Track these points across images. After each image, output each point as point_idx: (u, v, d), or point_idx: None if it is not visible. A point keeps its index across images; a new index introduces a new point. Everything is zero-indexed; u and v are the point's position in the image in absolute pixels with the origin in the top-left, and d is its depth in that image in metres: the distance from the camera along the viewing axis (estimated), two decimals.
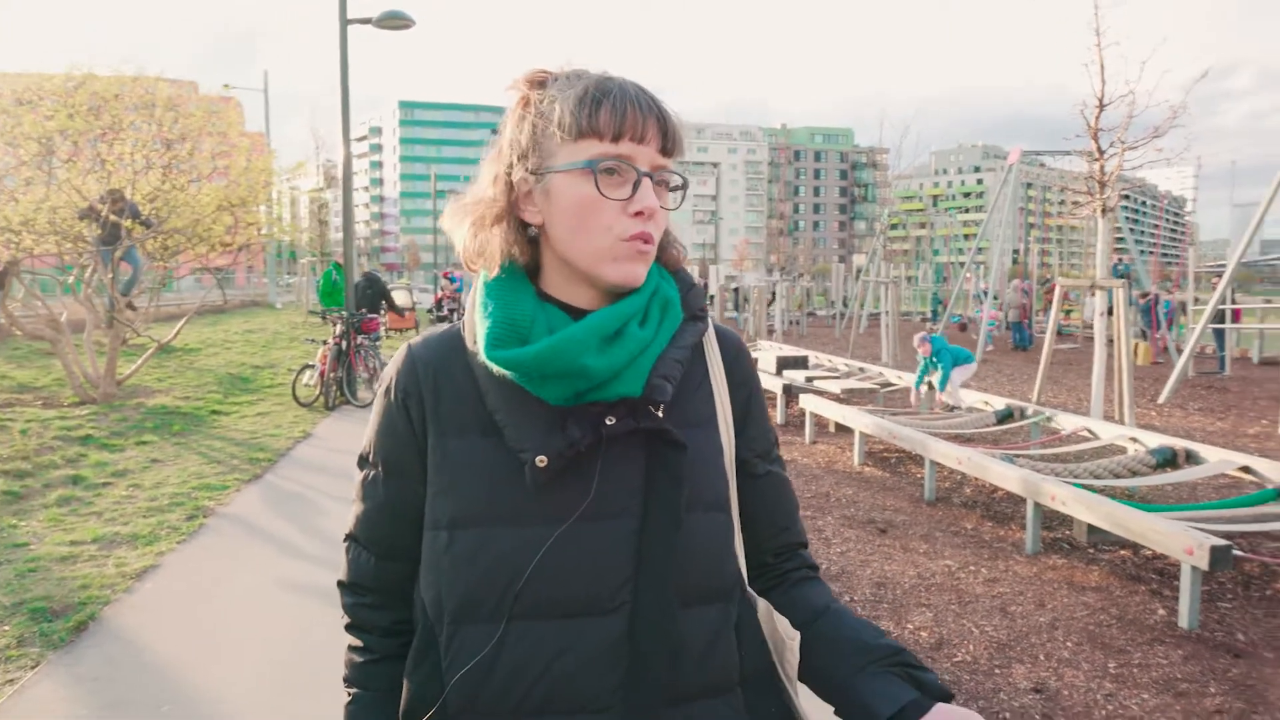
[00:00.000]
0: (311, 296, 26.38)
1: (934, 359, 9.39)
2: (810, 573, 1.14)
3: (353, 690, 1.11)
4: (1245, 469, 5.62)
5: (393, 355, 1.09)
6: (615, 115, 0.95)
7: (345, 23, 10.32)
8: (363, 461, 1.10)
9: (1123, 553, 5.12)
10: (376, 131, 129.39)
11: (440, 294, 27.14)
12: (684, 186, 1.03)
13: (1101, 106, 8.95)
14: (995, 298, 20.25)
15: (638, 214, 0.97)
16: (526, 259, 1.03)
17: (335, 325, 10.06)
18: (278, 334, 19.48)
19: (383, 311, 12.69)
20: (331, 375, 9.77)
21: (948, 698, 0.94)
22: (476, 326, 1.00)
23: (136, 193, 9.80)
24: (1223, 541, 3.86)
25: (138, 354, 11.67)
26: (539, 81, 1.01)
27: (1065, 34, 9.20)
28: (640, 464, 0.99)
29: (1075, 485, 5.09)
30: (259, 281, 45.38)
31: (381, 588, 1.09)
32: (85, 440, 7.53)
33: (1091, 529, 5.04)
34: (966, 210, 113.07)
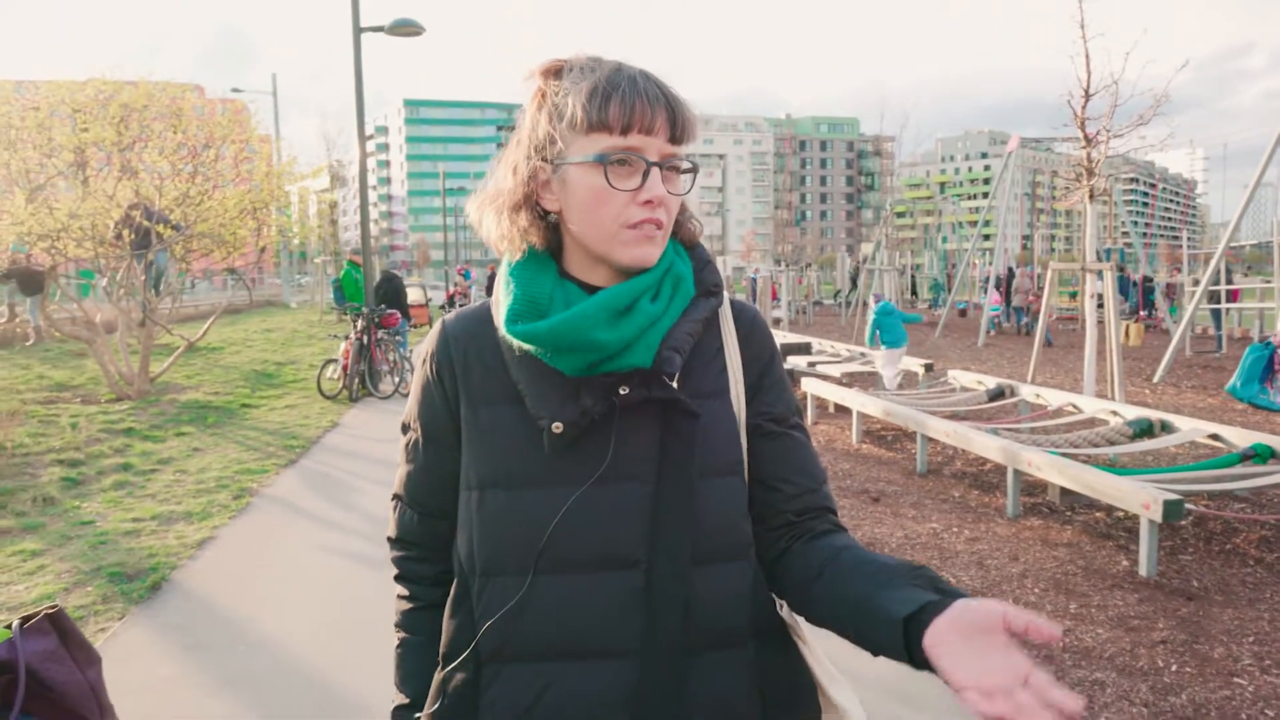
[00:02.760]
0: (324, 296, 26.95)
1: (877, 319, 10.20)
2: (837, 528, 1.14)
3: (401, 635, 1.22)
4: (1214, 436, 6.02)
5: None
6: (624, 109, 0.99)
7: (359, 30, 10.74)
8: (405, 427, 1.19)
9: (1096, 514, 5.53)
10: (383, 131, 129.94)
11: (453, 289, 27.70)
12: (694, 170, 1.08)
13: (1088, 96, 9.32)
14: (999, 283, 20.55)
15: (647, 203, 1.02)
16: (546, 243, 1.10)
17: (357, 321, 10.53)
18: (295, 332, 20.00)
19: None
20: (354, 369, 10.23)
21: None
22: (500, 304, 1.08)
23: (164, 197, 10.29)
24: (1175, 496, 4.27)
25: (165, 353, 12.18)
26: (554, 71, 1.05)
27: (1064, 19, 9.52)
28: (655, 431, 1.04)
29: (1051, 453, 5.50)
30: (271, 282, 45.98)
31: (425, 542, 1.18)
32: (128, 432, 8.02)
33: (1065, 492, 5.45)
34: (973, 197, 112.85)
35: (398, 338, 11.09)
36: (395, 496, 1.21)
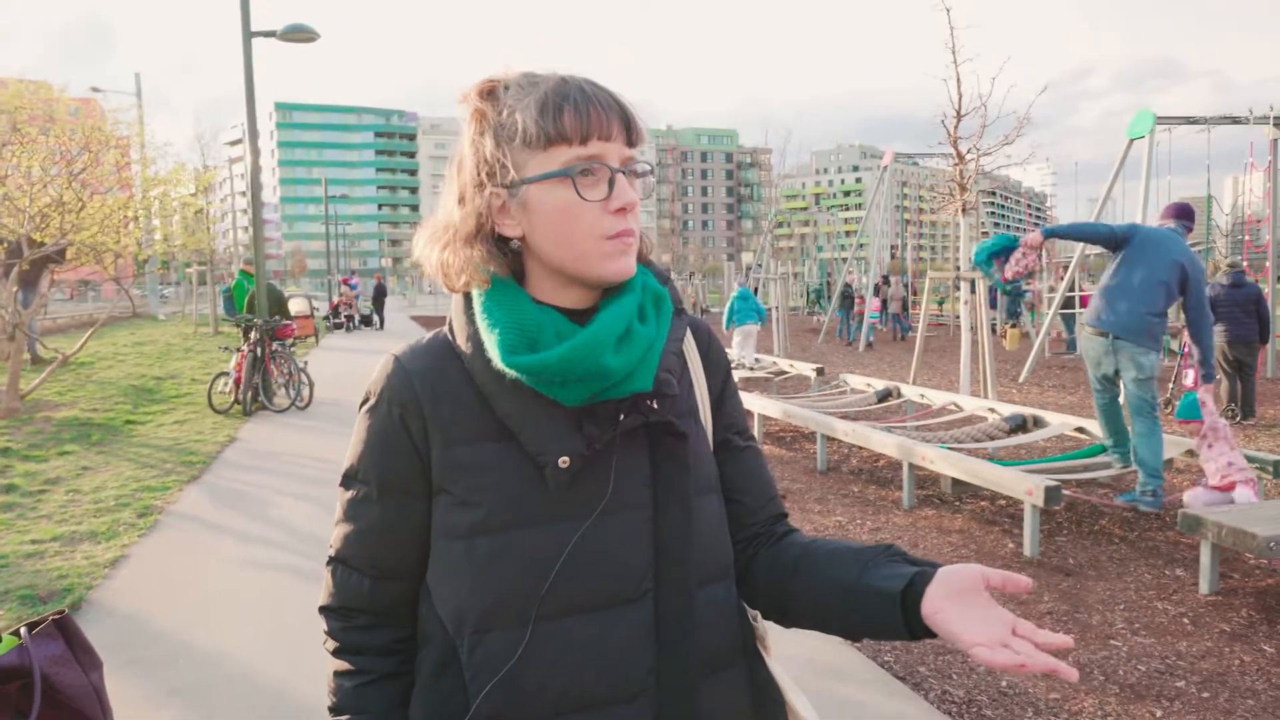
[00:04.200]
0: (197, 307, 25.81)
1: (734, 301, 13.15)
2: (794, 529, 1.17)
3: (344, 717, 1.06)
4: (1080, 429, 6.63)
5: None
6: (580, 117, 0.95)
7: (249, 35, 10.45)
8: (349, 480, 1.07)
9: (982, 503, 6.02)
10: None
11: (338, 299, 26.98)
12: (652, 172, 1.04)
13: (959, 117, 10.05)
14: (875, 291, 21.62)
15: (619, 210, 0.97)
16: (507, 272, 1.02)
17: (249, 333, 10.23)
18: (170, 345, 19.12)
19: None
20: (249, 381, 9.94)
21: None
22: (482, 336, 0.99)
23: (34, 204, 9.75)
24: (1054, 483, 4.74)
25: (28, 370, 11.47)
26: (488, 92, 1.00)
27: (935, 42, 10.20)
28: (646, 456, 1.01)
29: (942, 448, 5.96)
30: (134, 294, 43.50)
31: (376, 608, 1.06)
32: (5, 452, 7.60)
33: (955, 483, 5.92)
34: (847, 208, 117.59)
35: (292, 349, 10.82)
36: (335, 560, 1.08)
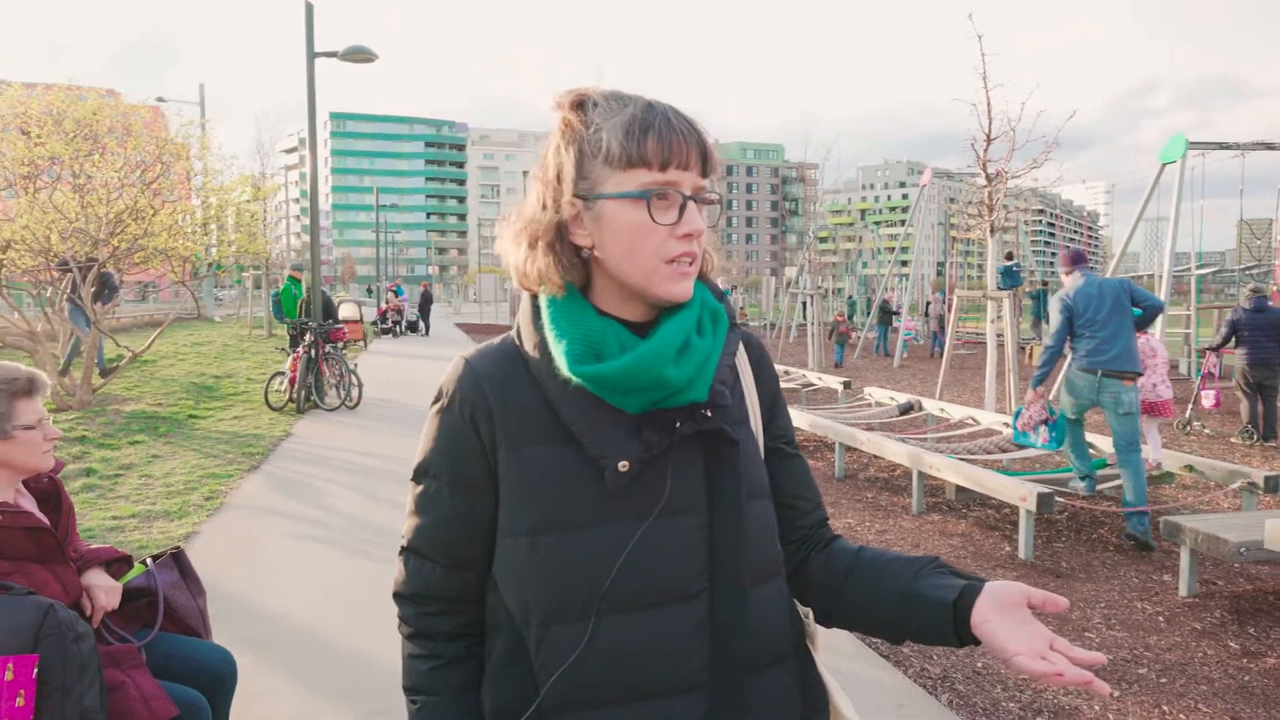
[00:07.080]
0: (252, 310, 26.79)
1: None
2: (836, 535, 1.24)
3: (420, 698, 1.13)
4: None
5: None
6: (663, 145, 1.00)
7: (312, 56, 11.12)
8: (420, 475, 1.12)
9: (988, 511, 6.34)
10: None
11: (385, 305, 27.82)
12: (720, 201, 1.08)
13: (989, 140, 10.34)
14: (913, 309, 21.79)
15: (685, 235, 1.02)
16: (579, 281, 1.07)
17: (303, 335, 10.86)
18: (226, 346, 19.95)
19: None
20: (303, 381, 10.55)
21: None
22: (550, 345, 1.05)
23: (110, 210, 10.46)
24: (1047, 490, 5.07)
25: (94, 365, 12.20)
26: (579, 104, 1.05)
27: (969, 66, 10.48)
28: (700, 462, 1.06)
29: (950, 457, 6.29)
30: (186, 295, 44.88)
31: (446, 596, 1.12)
32: (82, 440, 8.24)
33: (961, 492, 6.24)
34: (893, 224, 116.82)
35: (343, 351, 11.42)
36: (408, 550, 1.15)
